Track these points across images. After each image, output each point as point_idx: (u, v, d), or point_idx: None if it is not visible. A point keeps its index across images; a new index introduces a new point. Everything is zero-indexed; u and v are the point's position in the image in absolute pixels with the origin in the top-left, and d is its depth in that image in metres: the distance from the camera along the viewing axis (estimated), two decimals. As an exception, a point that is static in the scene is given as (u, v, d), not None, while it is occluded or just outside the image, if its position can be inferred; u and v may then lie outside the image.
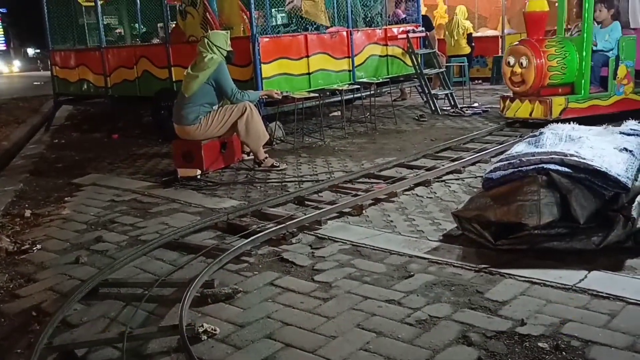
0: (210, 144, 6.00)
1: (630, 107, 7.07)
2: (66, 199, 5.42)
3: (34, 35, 27.56)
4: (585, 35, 6.88)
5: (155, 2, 9.01)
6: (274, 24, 11.03)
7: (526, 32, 7.36)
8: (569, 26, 8.20)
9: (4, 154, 8.26)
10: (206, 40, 6.05)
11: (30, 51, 48.92)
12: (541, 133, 4.03)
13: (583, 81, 6.99)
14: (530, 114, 7.07)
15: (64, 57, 10.45)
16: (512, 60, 7.12)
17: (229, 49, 6.07)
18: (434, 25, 11.67)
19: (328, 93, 7.97)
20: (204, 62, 5.93)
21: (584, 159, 3.37)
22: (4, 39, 46.75)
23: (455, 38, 11.43)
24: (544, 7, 7.04)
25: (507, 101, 7.47)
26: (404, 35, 9.21)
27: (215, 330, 2.72)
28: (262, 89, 6.98)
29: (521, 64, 6.97)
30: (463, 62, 11.28)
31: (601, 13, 7.34)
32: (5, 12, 45.22)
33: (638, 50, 7.28)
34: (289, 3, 8.71)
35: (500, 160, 3.72)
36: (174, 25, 8.89)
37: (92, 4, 9.73)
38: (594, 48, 7.16)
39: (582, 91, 7.04)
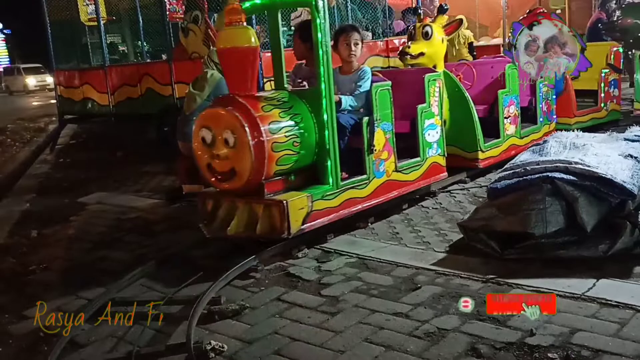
0: (215, 160, 5.96)
1: (394, 191, 4.49)
2: (72, 218, 5.43)
3: (38, 56, 27.78)
4: (324, 85, 3.95)
5: (158, 19, 9.07)
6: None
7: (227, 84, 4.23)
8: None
9: (9, 174, 8.29)
10: (207, 57, 6.09)
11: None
12: (545, 141, 4.04)
13: (330, 162, 3.99)
14: (255, 229, 3.78)
15: (68, 76, 10.51)
16: (208, 136, 3.80)
17: None
18: None
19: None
20: (204, 79, 5.95)
21: (589, 166, 3.37)
22: (8, 59, 47.14)
23: (457, 47, 11.51)
24: (247, 41, 3.80)
25: (211, 204, 4.07)
26: (405, 46, 9.15)
27: (223, 347, 2.71)
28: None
29: (226, 141, 3.73)
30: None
31: (356, 49, 4.57)
32: (10, 33, 45.66)
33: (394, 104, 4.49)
34: (295, 18, 8.75)
35: (505, 170, 3.73)
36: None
37: (95, 23, 9.80)
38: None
39: (331, 179, 4.02)
